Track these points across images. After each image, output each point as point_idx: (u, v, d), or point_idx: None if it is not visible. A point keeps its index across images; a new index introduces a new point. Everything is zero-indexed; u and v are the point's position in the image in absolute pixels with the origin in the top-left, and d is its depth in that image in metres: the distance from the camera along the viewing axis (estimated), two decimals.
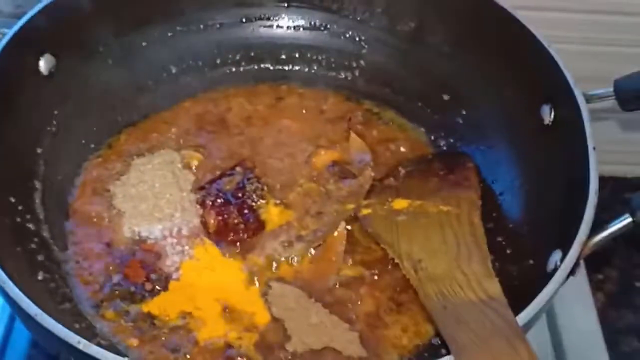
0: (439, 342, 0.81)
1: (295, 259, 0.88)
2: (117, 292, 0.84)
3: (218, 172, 0.95)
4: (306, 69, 1.09)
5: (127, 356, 0.68)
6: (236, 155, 0.98)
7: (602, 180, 0.79)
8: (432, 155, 1.00)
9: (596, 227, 0.77)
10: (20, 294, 0.71)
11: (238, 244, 0.89)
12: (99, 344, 0.68)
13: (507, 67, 0.96)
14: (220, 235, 0.89)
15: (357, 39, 1.08)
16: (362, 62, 1.08)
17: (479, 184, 0.95)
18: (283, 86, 1.07)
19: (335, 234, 0.90)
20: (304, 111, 1.04)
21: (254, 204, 0.92)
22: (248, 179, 0.93)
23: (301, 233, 0.90)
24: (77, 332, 0.68)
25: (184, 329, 0.82)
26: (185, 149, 0.98)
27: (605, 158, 0.86)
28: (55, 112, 0.95)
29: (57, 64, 0.94)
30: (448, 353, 0.70)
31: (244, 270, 0.87)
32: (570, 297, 0.98)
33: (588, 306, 1.01)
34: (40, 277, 0.82)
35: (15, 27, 0.89)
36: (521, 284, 0.82)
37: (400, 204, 0.93)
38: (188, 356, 0.80)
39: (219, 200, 0.91)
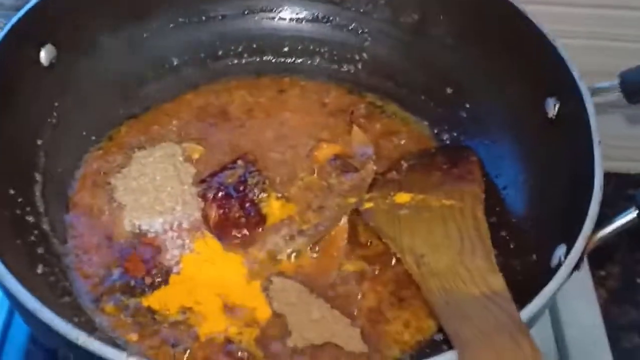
0: (441, 338, 0.81)
1: (297, 253, 0.88)
2: (117, 285, 0.84)
3: (219, 165, 0.94)
4: (308, 62, 1.08)
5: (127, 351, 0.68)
6: (238, 148, 0.97)
7: (606, 176, 0.79)
8: (435, 148, 1.00)
9: (600, 223, 0.76)
10: (19, 287, 0.70)
11: (239, 237, 0.88)
12: (98, 339, 0.67)
13: (512, 60, 0.95)
14: (221, 229, 0.89)
15: (360, 31, 1.07)
16: (364, 54, 1.07)
17: (482, 178, 0.94)
18: (285, 79, 1.06)
19: (337, 228, 0.90)
20: (306, 104, 1.04)
21: (255, 197, 0.91)
22: (249, 173, 0.93)
23: (303, 227, 0.90)
24: (76, 326, 0.67)
25: (184, 324, 0.81)
26: (187, 141, 0.98)
27: (610, 154, 0.85)
28: (56, 104, 0.94)
29: (58, 54, 0.93)
30: (450, 349, 0.70)
31: (245, 264, 0.87)
32: (573, 292, 0.97)
33: (591, 302, 1.01)
34: (39, 271, 0.82)
35: (16, 18, 0.88)
36: (525, 279, 0.81)
37: (402, 197, 0.92)
38: (188, 351, 0.79)
39: (220, 194, 0.90)
